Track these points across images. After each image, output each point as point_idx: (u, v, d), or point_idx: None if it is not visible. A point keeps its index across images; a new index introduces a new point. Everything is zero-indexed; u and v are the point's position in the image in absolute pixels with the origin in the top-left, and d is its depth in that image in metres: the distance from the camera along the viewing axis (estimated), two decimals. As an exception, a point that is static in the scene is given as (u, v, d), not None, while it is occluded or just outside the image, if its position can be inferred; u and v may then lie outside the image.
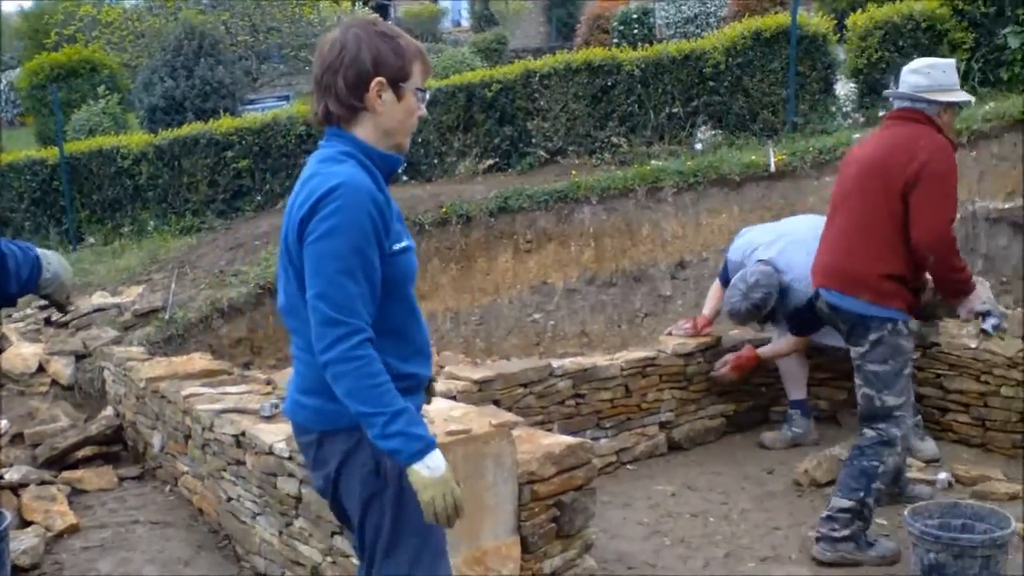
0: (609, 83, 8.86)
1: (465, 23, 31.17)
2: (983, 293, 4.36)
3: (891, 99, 4.29)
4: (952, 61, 4.26)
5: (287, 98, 16.06)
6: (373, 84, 2.31)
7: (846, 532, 4.02)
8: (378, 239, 2.27)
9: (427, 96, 2.46)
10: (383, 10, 27.18)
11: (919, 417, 4.84)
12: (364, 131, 2.36)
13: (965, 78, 8.06)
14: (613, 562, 4.17)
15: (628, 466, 5.39)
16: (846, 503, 4.03)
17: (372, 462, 2.35)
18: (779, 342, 5.50)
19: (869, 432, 4.11)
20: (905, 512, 3.78)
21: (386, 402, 2.21)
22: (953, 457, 5.31)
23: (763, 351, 5.51)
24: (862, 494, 4.02)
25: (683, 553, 4.28)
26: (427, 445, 2.25)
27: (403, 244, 2.37)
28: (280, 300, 2.46)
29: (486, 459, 3.30)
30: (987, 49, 8.13)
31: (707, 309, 5.79)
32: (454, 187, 8.43)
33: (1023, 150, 6.36)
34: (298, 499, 3.78)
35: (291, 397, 2.50)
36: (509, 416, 3.63)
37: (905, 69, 4.19)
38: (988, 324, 4.24)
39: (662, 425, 5.58)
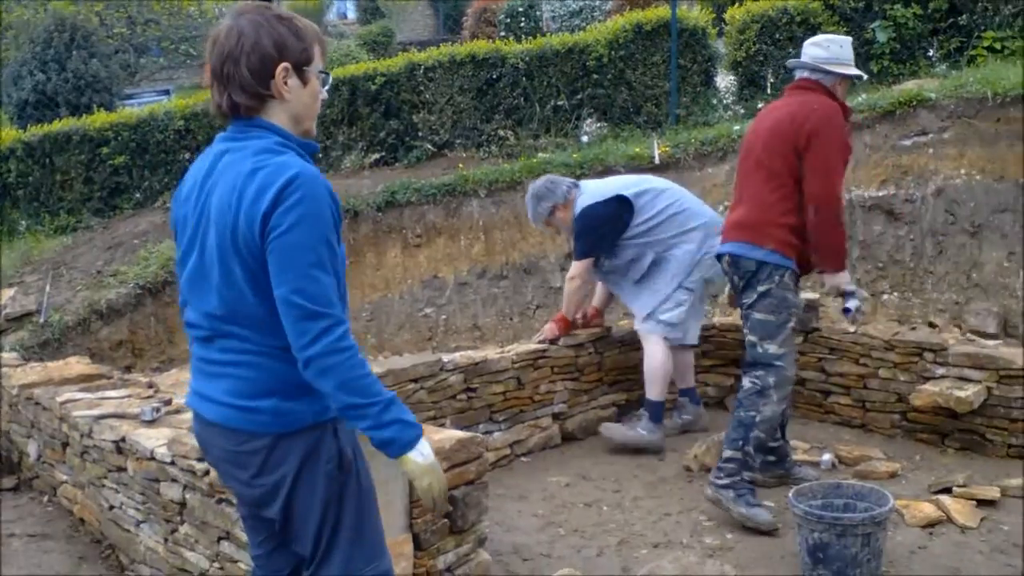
0: (494, 76, 8.85)
1: (351, 15, 30.77)
2: (850, 277, 4.55)
3: (793, 69, 4.52)
4: (849, 39, 4.51)
5: (167, 92, 15.58)
6: (279, 70, 2.24)
7: (727, 481, 4.33)
8: (336, 229, 2.23)
9: (329, 78, 2.39)
10: (266, 1, 26.60)
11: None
12: (275, 119, 2.29)
13: (838, 70, 8.32)
14: (509, 554, 4.17)
15: (523, 458, 5.40)
16: (729, 453, 4.36)
17: (336, 457, 2.31)
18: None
19: (746, 383, 4.40)
20: (789, 494, 3.87)
21: (378, 391, 2.18)
22: (836, 438, 5.48)
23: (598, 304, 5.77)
24: (741, 443, 4.33)
25: (577, 543, 4.31)
26: (420, 432, 2.25)
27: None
28: (210, 303, 2.28)
29: (376, 456, 3.23)
30: (857, 43, 8.39)
31: (596, 300, 5.83)
32: (340, 181, 8.30)
33: (894, 140, 6.58)
34: (182, 505, 3.67)
35: (220, 403, 2.33)
36: (399, 412, 3.57)
37: (807, 43, 4.46)
38: (851, 304, 4.38)
39: (555, 416, 5.61)
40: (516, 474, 5.19)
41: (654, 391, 5.35)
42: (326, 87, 2.37)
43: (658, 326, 5.34)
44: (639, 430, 5.36)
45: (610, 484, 4.99)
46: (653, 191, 5.41)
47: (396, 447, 2.21)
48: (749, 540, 4.26)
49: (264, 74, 2.23)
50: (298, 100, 2.29)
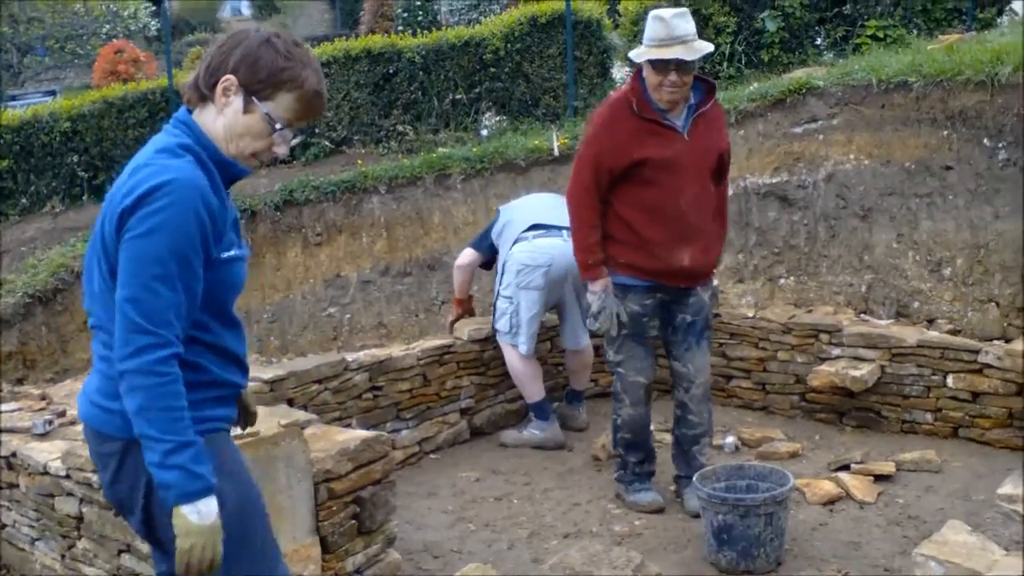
0: (391, 71, 8.77)
1: (246, 12, 30.22)
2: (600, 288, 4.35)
3: None
4: (669, 12, 4.05)
5: (54, 93, 15.01)
6: (223, 78, 2.18)
7: (616, 474, 4.64)
8: (205, 245, 2.11)
9: (290, 135, 2.28)
10: (158, 1, 25.93)
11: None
12: (209, 124, 2.22)
13: (730, 60, 8.47)
14: (419, 552, 4.15)
15: (432, 455, 5.39)
16: (613, 451, 4.69)
17: None
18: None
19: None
20: (694, 478, 3.93)
21: (175, 430, 2.04)
22: (739, 421, 5.61)
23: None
24: (614, 443, 4.55)
25: (488, 537, 4.31)
26: (205, 489, 2.07)
27: (232, 253, 2.22)
28: (86, 293, 2.25)
29: (277, 461, 3.19)
30: (748, 32, 8.56)
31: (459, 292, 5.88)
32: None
33: (786, 128, 6.72)
34: (79, 519, 3.56)
35: (89, 400, 2.27)
36: (300, 414, 3.55)
37: None
38: (589, 320, 4.45)
39: (463, 412, 5.60)
40: (425, 471, 5.17)
41: (527, 394, 5.46)
42: (280, 139, 2.25)
43: (498, 333, 5.44)
44: (531, 431, 5.43)
45: (520, 477, 5.01)
46: (514, 206, 5.67)
47: (173, 494, 2.05)
48: (656, 526, 4.32)
49: (214, 75, 2.20)
50: (231, 120, 2.21)
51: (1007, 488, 2.98)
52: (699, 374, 4.40)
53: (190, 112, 2.25)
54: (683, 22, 3.99)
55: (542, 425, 5.40)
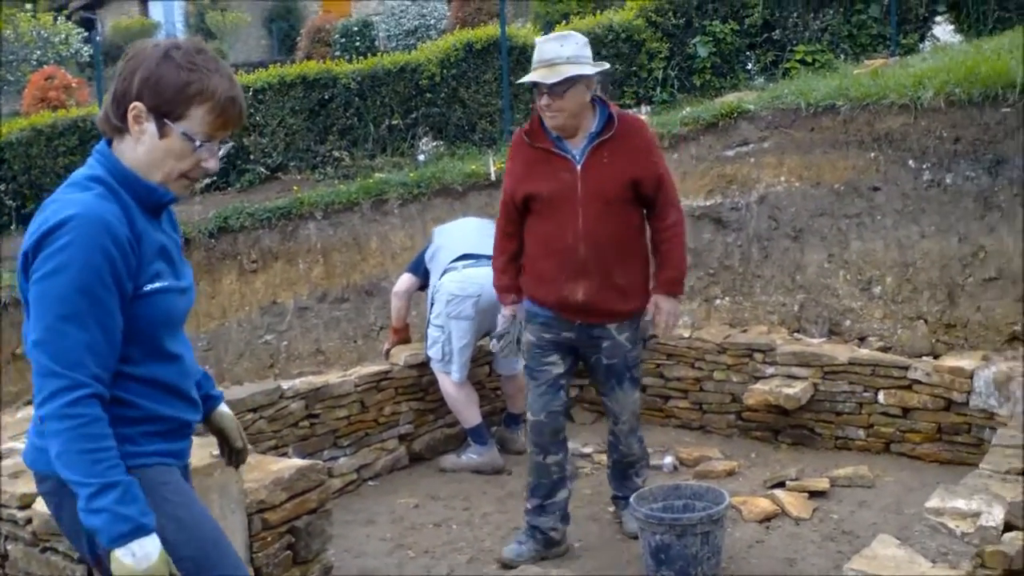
0: (326, 96, 8.75)
1: (181, 37, 29.91)
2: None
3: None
4: (554, 35, 3.96)
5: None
6: (130, 108, 2.08)
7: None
8: (117, 279, 2.00)
9: (216, 148, 2.18)
10: (88, 23, 25.56)
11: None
12: (130, 154, 2.12)
13: (663, 85, 8.61)
14: (357, 582, 4.10)
15: (370, 482, 5.33)
16: None
17: None
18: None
19: None
20: (631, 499, 3.95)
21: (96, 472, 1.93)
22: (677, 441, 5.64)
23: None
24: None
25: (427, 563, 4.27)
26: (136, 529, 1.95)
27: (160, 284, 2.11)
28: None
29: (210, 492, 3.13)
30: (681, 58, 8.71)
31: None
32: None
33: (718, 151, 6.83)
34: (4, 556, 3.44)
35: (31, 442, 2.19)
36: (234, 444, 3.46)
37: None
38: (492, 342, 4.45)
39: (402, 438, 5.56)
40: (364, 498, 5.12)
41: (463, 419, 5.45)
42: (207, 152, 2.16)
43: (431, 360, 5.45)
44: (470, 455, 5.42)
45: (459, 502, 4.98)
46: (446, 230, 5.71)
47: (103, 538, 1.94)
48: (596, 548, 4.32)
49: (121, 105, 2.10)
50: (150, 148, 2.11)
51: (934, 502, 3.05)
52: (623, 412, 4.22)
53: (110, 143, 2.16)
54: (554, 45, 3.84)
55: (480, 450, 5.39)
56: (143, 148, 2.12)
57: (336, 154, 8.57)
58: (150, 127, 2.10)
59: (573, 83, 3.80)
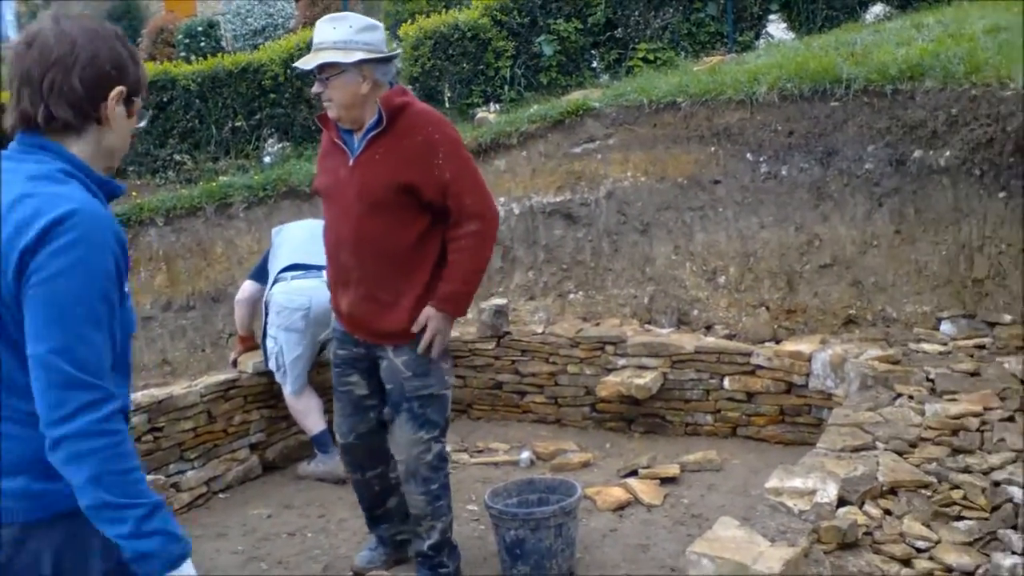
0: (165, 99, 8.46)
1: (13, 35, 28.47)
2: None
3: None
4: (329, 17, 3.55)
5: None
6: (115, 93, 1.90)
7: None
8: (120, 281, 1.83)
9: (148, 114, 2.06)
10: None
11: None
12: (83, 146, 1.91)
13: (511, 83, 8.66)
14: (206, 599, 3.96)
15: (221, 495, 5.17)
16: None
17: (116, 549, 1.80)
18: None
19: None
20: (485, 496, 3.94)
21: (143, 491, 1.76)
22: (534, 436, 5.68)
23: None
24: None
25: (281, 574, 4.17)
26: (186, 549, 1.82)
27: (127, 288, 1.93)
28: None
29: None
30: (527, 56, 8.78)
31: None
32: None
33: (566, 148, 6.91)
34: None
35: (15, 488, 1.85)
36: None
37: None
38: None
39: (253, 447, 5.41)
40: (214, 511, 4.96)
41: (304, 428, 5.33)
42: (143, 122, 2.05)
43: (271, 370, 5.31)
44: (316, 463, 5.31)
45: (314, 510, 4.88)
46: (284, 231, 5.52)
47: (157, 564, 1.77)
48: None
49: (98, 93, 1.89)
50: (119, 131, 1.95)
51: (773, 482, 3.15)
52: (399, 451, 3.67)
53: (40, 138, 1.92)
54: (326, 28, 3.45)
55: (323, 458, 5.25)
56: (114, 134, 1.95)
57: (177, 158, 8.30)
58: (120, 109, 1.94)
59: (340, 71, 3.41)
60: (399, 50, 4.00)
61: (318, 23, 3.51)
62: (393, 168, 3.44)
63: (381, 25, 3.59)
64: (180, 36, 16.16)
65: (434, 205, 3.49)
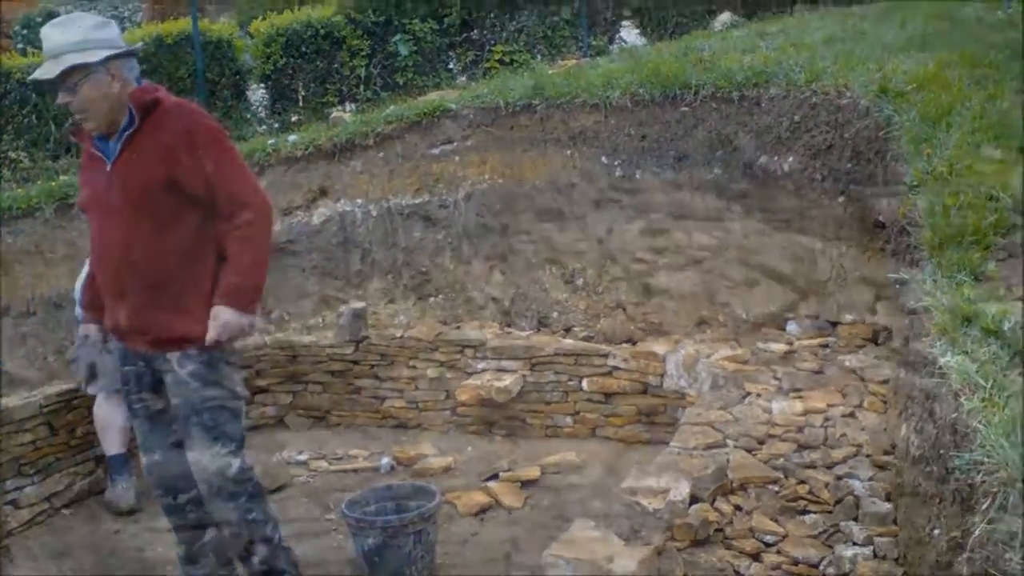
0: (-1, 92, 8.02)
1: None
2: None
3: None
4: (59, 20, 3.33)
5: None
6: None
7: None
8: None
9: None
10: None
11: None
12: None
13: (367, 83, 8.57)
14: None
15: (64, 511, 4.92)
16: None
17: None
18: None
19: None
20: (343, 506, 3.87)
21: None
22: (395, 441, 5.63)
23: None
24: None
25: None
26: None
27: None
28: None
29: None
30: (383, 56, 8.70)
31: None
32: None
33: (424, 149, 6.86)
34: None
35: None
36: None
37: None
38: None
39: (99, 459, 5.17)
40: (57, 529, 4.71)
41: (103, 446, 5.02)
42: None
43: None
44: (107, 490, 5.02)
45: (165, 522, 4.69)
46: None
47: None
48: (308, 556, 4.20)
49: None
50: None
51: (629, 481, 3.20)
52: (199, 470, 3.37)
53: None
54: (55, 33, 3.22)
55: (110, 485, 5.00)
56: None
57: (13, 155, 7.85)
58: None
59: (88, 73, 3.18)
60: (139, 44, 3.78)
61: (44, 30, 3.27)
62: (152, 166, 3.25)
63: (114, 22, 3.41)
64: (17, 27, 15.37)
65: (201, 200, 3.30)
